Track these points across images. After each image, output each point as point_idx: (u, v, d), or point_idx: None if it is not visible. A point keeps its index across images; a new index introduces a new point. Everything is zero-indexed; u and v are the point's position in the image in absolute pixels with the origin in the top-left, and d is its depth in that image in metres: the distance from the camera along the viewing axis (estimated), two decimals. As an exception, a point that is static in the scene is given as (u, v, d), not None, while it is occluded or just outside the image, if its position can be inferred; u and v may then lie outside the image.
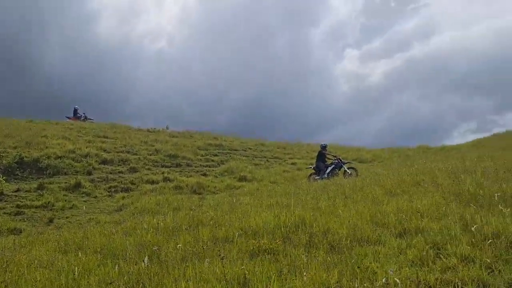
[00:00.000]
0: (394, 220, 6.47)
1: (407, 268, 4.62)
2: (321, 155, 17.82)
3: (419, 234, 5.69)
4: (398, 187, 9.40)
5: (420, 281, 4.15)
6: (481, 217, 5.64)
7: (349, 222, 6.52)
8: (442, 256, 4.81)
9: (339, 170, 17.34)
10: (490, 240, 4.91)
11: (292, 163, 21.37)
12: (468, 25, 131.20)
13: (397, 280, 4.02)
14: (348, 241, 5.80)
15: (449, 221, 5.87)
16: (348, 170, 17.03)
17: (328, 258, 5.17)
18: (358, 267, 4.55)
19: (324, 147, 18.19)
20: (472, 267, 4.39)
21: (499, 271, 4.31)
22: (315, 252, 5.51)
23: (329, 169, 17.25)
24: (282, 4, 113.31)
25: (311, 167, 18.26)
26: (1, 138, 17.11)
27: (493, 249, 4.75)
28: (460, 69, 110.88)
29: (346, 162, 18.02)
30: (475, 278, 4.16)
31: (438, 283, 4.24)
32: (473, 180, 8.43)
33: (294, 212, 7.27)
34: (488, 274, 4.27)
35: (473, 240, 5.06)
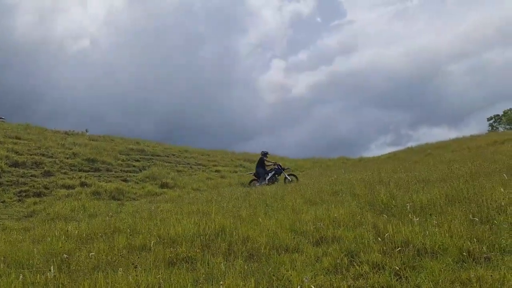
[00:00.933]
0: (312, 229, 6.63)
1: (322, 276, 4.74)
2: (262, 162, 18.09)
3: (335, 242, 5.87)
4: (317, 197, 9.70)
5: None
6: (393, 226, 5.96)
7: (268, 230, 6.57)
8: (355, 264, 4.99)
9: (279, 176, 17.68)
10: (399, 248, 5.19)
11: (216, 171, 21.29)
12: (388, 44, 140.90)
13: (313, 287, 4.09)
14: (267, 249, 5.83)
15: (363, 230, 6.14)
16: (288, 177, 17.32)
17: (246, 266, 5.15)
18: (273, 275, 4.57)
19: (265, 154, 18.44)
20: (382, 274, 4.60)
21: (406, 277, 4.55)
22: (234, 260, 5.46)
23: (269, 175, 17.54)
24: (212, 12, 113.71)
25: (251, 174, 18.46)
26: None
27: (402, 256, 5.02)
28: (379, 85, 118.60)
29: (286, 168, 18.34)
30: (384, 284, 4.36)
31: (350, 290, 4.39)
32: (387, 191, 8.91)
33: (214, 220, 7.19)
34: (396, 281, 4.50)
35: (384, 248, 5.32)
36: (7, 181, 14.09)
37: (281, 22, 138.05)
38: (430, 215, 6.56)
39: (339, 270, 4.85)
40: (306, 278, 4.32)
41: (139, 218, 8.51)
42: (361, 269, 4.80)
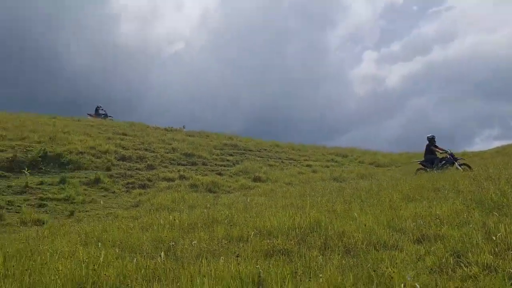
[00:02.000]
0: (412, 226, 6.35)
1: (425, 275, 4.52)
2: (430, 148, 16.69)
3: (439, 241, 5.56)
4: (416, 193, 9.24)
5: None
6: (506, 226, 5.48)
7: (365, 226, 6.42)
8: (462, 265, 4.69)
9: (451, 166, 15.85)
10: (514, 250, 4.77)
11: (307, 165, 21.25)
12: (492, 29, 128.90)
13: (418, 286, 3.93)
14: (364, 245, 5.71)
15: (470, 229, 5.73)
16: (460, 167, 15.52)
17: (343, 261, 5.10)
18: (374, 271, 4.46)
19: (431, 138, 16.89)
20: (495, 277, 4.27)
21: (521, 281, 4.17)
22: (330, 254, 5.44)
23: (440, 164, 16.02)
24: (300, 8, 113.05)
25: (418, 162, 17.29)
26: (27, 133, 17.45)
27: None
28: (481, 74, 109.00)
29: (458, 158, 16.62)
30: (496, 288, 4.04)
31: (457, 291, 4.14)
32: (496, 188, 8.22)
33: (309, 214, 7.21)
34: (511, 285, 4.15)
35: (496, 249, 4.92)
36: (116, 174, 15.48)
37: (372, 13, 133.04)
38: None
39: (444, 270, 4.59)
40: (408, 276, 4.16)
41: (235, 210, 8.83)
42: (470, 271, 4.49)
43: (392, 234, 6.15)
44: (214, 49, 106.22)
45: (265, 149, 23.44)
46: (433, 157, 16.42)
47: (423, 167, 16.51)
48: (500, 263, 4.54)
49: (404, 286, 4.02)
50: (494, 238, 5.09)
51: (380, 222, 6.80)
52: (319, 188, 12.75)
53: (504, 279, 4.18)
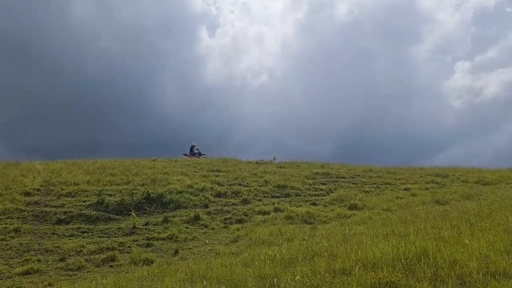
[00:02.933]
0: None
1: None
2: None
3: None
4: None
5: None
6: None
7: (479, 253, 5.96)
8: None
9: None
10: None
11: (405, 189, 20.23)
12: None
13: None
14: (481, 275, 5.30)
15: None
16: None
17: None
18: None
19: None
20: None
21: None
22: (442, 286, 5.13)
23: None
24: (380, 26, 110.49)
25: None
26: (131, 176, 19.04)
27: None
28: None
29: None
30: None
31: None
32: None
33: (414, 242, 6.87)
34: None
35: None
36: (214, 210, 16.14)
37: (461, 21, 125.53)
38: None
39: None
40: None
41: (334, 241, 8.70)
42: None
43: (512, 261, 5.63)
44: (297, 76, 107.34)
45: (358, 175, 22.85)
46: None
47: None
48: None
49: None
50: None
51: (496, 248, 6.27)
52: (421, 212, 12.09)
53: None
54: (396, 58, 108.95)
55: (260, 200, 17.70)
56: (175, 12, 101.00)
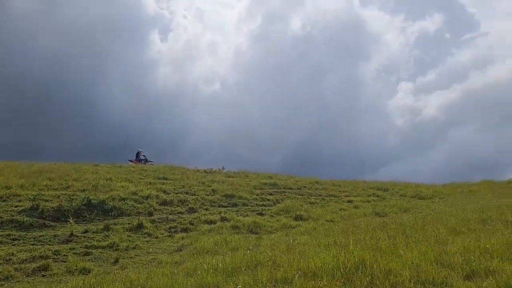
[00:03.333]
0: (461, 261, 6.17)
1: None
2: None
3: (490, 276, 5.38)
4: (463, 225, 8.96)
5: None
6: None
7: (412, 263, 6.29)
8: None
9: None
10: None
11: (349, 201, 20.92)
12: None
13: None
14: (412, 283, 5.59)
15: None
16: None
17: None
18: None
19: None
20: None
21: None
22: (377, 294, 5.36)
23: None
24: (331, 42, 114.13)
25: None
26: (71, 181, 18.23)
27: None
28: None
29: None
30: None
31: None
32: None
33: (353, 253, 7.13)
34: None
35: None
36: (159, 218, 15.81)
37: (405, 43, 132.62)
38: None
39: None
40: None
41: (278, 251, 8.83)
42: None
43: (441, 270, 5.99)
44: (250, 86, 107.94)
45: (305, 187, 23.33)
46: None
47: None
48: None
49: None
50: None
51: (427, 258, 6.64)
52: (362, 224, 12.54)
53: None
54: (346, 74, 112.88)
55: (207, 209, 17.57)
56: (125, 13, 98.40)
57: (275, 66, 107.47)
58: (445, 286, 5.47)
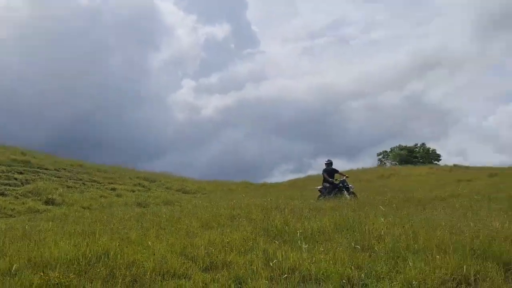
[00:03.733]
0: (204, 253, 6.42)
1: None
2: (323, 174, 16.64)
3: (225, 268, 5.72)
4: (214, 220, 9.52)
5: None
6: (282, 252, 5.98)
7: (157, 254, 6.22)
8: (242, 291, 4.89)
9: (341, 193, 15.44)
10: (286, 275, 5.20)
11: (112, 189, 20.12)
12: (295, 77, 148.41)
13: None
14: (153, 275, 5.49)
15: (253, 255, 6.08)
16: (348, 195, 15.14)
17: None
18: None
19: (327, 164, 16.81)
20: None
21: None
22: (114, 286, 5.05)
23: (334, 191, 15.70)
24: (121, 24, 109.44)
25: (318, 188, 16.76)
26: None
27: (288, 283, 5.04)
28: (285, 115, 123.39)
29: (350, 186, 16.03)
30: (267, 312, 4.30)
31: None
32: (281, 217, 9.05)
33: (98, 242, 6.64)
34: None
35: (272, 274, 5.30)
36: None
37: (195, 43, 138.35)
38: (317, 242, 6.75)
39: (224, 298, 4.70)
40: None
41: (9, 238, 7.57)
42: (247, 297, 4.70)
43: (184, 263, 6.09)
44: (18, 49, 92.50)
45: (65, 169, 21.32)
46: (325, 184, 16.38)
47: (320, 193, 16.32)
48: (274, 287, 4.89)
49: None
50: (271, 264, 5.48)
51: (174, 250, 6.69)
52: (119, 213, 12.06)
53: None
54: (134, 60, 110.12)
55: None
56: None
57: (53, 34, 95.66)
58: (185, 277, 5.56)
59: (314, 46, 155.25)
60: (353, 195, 15.19)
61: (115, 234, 7.83)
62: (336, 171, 16.78)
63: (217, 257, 6.21)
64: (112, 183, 21.37)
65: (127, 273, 5.51)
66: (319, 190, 16.62)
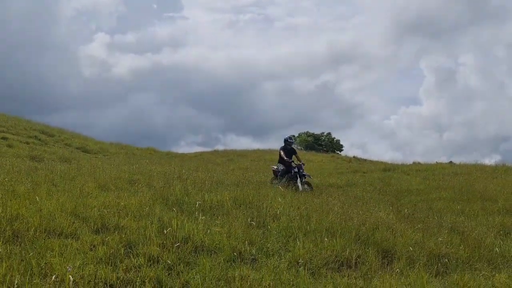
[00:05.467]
0: (97, 215, 6.19)
1: (92, 266, 4.42)
2: (279, 154, 13.42)
3: (117, 232, 5.59)
4: (112, 183, 9.20)
5: (99, 280, 4.00)
6: (179, 221, 5.98)
7: (43, 210, 5.87)
8: (131, 256, 4.82)
9: (295, 181, 12.47)
10: (179, 244, 5.23)
11: (3, 138, 18.43)
12: (215, 49, 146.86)
13: (71, 278, 3.75)
14: (38, 232, 5.19)
15: (148, 222, 6.01)
16: (300, 185, 12.29)
17: (5, 248, 4.46)
18: (34, 261, 4.05)
19: (288, 141, 13.70)
20: (155, 268, 4.54)
21: (178, 272, 4.59)
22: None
23: (286, 175, 12.75)
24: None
25: (274, 168, 13.79)
26: None
27: (180, 252, 5.07)
28: (199, 86, 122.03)
29: (305, 174, 12.93)
30: (154, 278, 4.30)
31: (119, 282, 4.19)
32: (182, 187, 9.00)
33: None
34: (168, 275, 4.50)
35: (165, 242, 5.29)
36: None
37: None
38: (215, 215, 6.87)
39: (112, 261, 4.60)
40: (69, 267, 3.94)
41: None
42: (136, 261, 4.65)
43: (74, 222, 5.83)
44: None
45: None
46: (279, 165, 13.49)
47: (275, 175, 13.57)
48: (165, 255, 4.89)
49: (57, 276, 3.79)
50: (165, 231, 5.47)
51: (64, 208, 6.36)
52: (7, 165, 11.11)
53: (163, 270, 4.51)
54: (39, 2, 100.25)
55: None
56: None
57: None
58: (73, 237, 5.34)
59: (238, 20, 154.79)
60: (307, 186, 12.52)
61: (0, 186, 7.22)
62: (294, 152, 13.77)
63: (111, 219, 6.04)
64: (4, 132, 19.56)
65: (8, 227, 5.14)
66: (274, 171, 13.73)
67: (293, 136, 12.25)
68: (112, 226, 5.83)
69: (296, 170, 12.70)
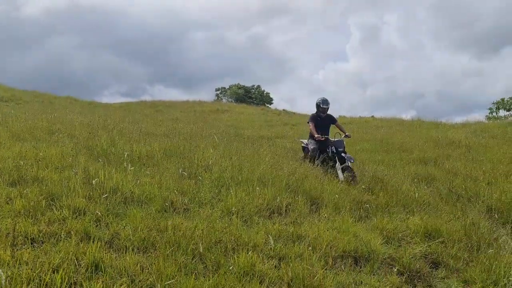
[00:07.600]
0: (12, 166, 5.69)
1: (9, 219, 4.07)
2: (314, 123, 9.40)
3: (36, 184, 5.18)
4: (29, 133, 8.51)
5: (18, 234, 3.70)
6: (106, 172, 5.67)
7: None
8: (54, 208, 4.51)
9: (333, 165, 8.82)
10: (107, 195, 4.98)
11: None
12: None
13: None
14: None
15: (72, 173, 5.64)
16: (342, 174, 8.46)
17: None
18: None
19: (321, 106, 9.52)
20: (82, 220, 4.30)
21: (107, 224, 4.39)
22: None
23: (322, 156, 9.11)
24: None
25: (304, 144, 10.00)
26: None
27: (108, 203, 4.83)
28: (125, 32, 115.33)
29: (346, 156, 8.75)
30: (81, 230, 4.07)
31: (41, 235, 3.92)
32: (108, 137, 8.54)
33: None
34: (96, 227, 4.29)
35: (91, 193, 5.00)
36: None
37: None
38: (144, 165, 6.63)
39: (32, 214, 4.27)
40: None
41: None
42: (60, 214, 4.36)
43: (-15, 175, 5.31)
44: None
45: None
46: (310, 140, 9.52)
47: (304, 152, 9.93)
48: (91, 206, 4.64)
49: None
50: (93, 182, 5.18)
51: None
52: None
53: (90, 222, 4.29)
54: None
55: None
56: None
57: None
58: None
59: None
60: (351, 177, 8.28)
61: None
62: (333, 120, 9.76)
63: (28, 171, 5.58)
64: None
65: None
66: (303, 147, 10.14)
67: (326, 99, 8.83)
68: (31, 178, 5.39)
69: (333, 149, 8.98)
